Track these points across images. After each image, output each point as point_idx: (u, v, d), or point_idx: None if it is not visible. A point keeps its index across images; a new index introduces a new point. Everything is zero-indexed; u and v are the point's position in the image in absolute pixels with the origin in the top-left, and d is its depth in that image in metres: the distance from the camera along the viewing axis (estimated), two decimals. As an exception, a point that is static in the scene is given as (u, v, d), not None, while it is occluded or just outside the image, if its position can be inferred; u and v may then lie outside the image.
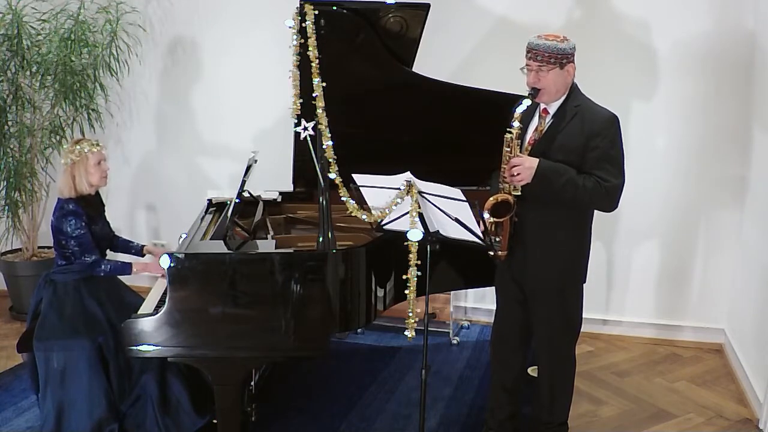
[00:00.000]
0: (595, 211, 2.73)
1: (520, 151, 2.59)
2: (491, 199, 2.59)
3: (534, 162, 2.53)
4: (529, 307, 2.79)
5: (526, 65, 2.57)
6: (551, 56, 2.51)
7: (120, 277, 3.12)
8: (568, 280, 2.72)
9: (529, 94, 2.56)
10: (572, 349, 2.85)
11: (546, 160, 2.55)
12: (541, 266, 2.67)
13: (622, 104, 3.77)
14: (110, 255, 3.19)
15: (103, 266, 2.96)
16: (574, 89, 2.61)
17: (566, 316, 2.75)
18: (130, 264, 3.02)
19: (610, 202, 2.58)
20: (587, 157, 2.55)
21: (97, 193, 3.14)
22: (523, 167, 2.53)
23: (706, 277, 4.07)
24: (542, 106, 2.63)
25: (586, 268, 2.76)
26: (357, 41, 3.02)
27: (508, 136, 2.57)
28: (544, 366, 2.86)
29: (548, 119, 2.63)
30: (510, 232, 2.65)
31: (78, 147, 2.99)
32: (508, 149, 2.58)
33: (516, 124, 2.55)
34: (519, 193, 2.59)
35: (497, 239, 2.64)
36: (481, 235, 2.48)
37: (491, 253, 2.64)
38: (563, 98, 2.61)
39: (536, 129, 2.65)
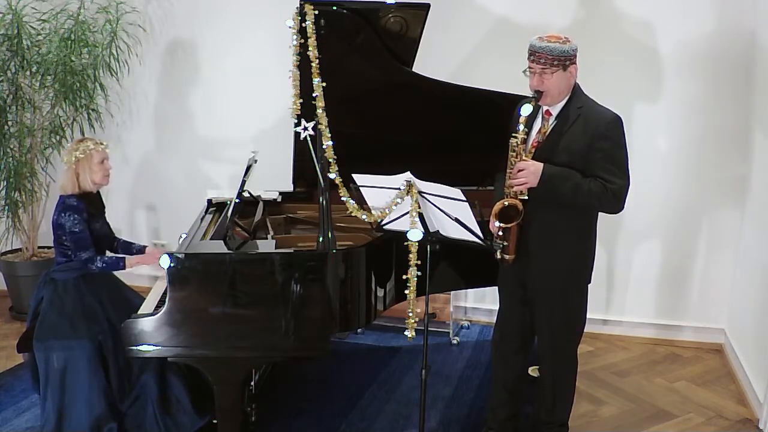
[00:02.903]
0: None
1: (525, 155, 2.57)
2: (498, 204, 2.57)
3: (539, 166, 2.51)
4: (532, 308, 2.78)
5: (529, 68, 2.54)
6: (554, 59, 2.47)
7: (118, 274, 3.13)
8: (572, 282, 2.71)
9: (532, 97, 2.54)
10: (575, 349, 2.85)
11: (551, 164, 2.52)
12: (545, 267, 2.66)
13: (623, 105, 3.73)
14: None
15: (97, 263, 2.96)
16: (576, 90, 2.59)
17: (569, 316, 2.75)
18: (123, 258, 3.03)
19: (616, 204, 2.56)
20: (592, 158, 2.53)
21: (98, 194, 3.16)
22: (528, 172, 2.51)
23: (706, 277, 4.07)
24: (545, 107, 2.61)
25: (591, 270, 2.75)
26: (357, 41, 3.02)
27: (513, 140, 2.54)
28: (547, 366, 2.86)
29: (551, 121, 2.61)
30: (517, 236, 2.63)
31: (83, 145, 3.02)
32: (513, 153, 2.54)
33: (521, 127, 2.52)
34: (525, 197, 2.57)
35: (504, 243, 2.62)
36: (481, 235, 2.47)
37: (498, 256, 2.64)
38: (566, 100, 2.58)
39: (539, 131, 2.63)
